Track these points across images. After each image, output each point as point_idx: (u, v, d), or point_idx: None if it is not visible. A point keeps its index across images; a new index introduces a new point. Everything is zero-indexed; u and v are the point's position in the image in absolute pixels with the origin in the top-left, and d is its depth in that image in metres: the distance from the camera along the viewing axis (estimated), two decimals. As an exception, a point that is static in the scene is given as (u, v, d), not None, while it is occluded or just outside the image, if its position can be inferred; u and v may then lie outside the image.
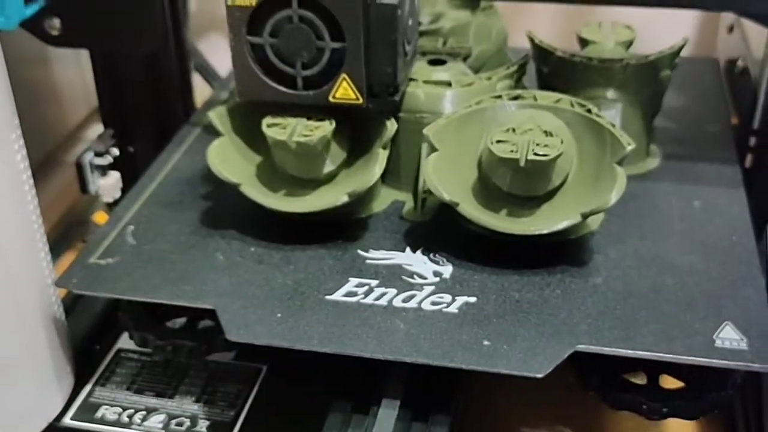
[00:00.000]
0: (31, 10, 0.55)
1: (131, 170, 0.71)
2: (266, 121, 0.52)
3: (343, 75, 0.49)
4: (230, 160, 0.54)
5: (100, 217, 0.72)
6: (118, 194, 0.71)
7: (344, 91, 0.50)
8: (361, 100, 0.50)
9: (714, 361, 0.45)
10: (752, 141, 0.63)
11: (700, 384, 0.49)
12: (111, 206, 0.72)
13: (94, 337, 0.61)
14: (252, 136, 0.54)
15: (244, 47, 0.50)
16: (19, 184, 0.51)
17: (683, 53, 0.61)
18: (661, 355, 0.45)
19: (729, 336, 0.46)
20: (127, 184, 0.71)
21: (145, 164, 0.63)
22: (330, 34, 0.49)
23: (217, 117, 0.54)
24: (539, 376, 0.44)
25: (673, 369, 0.50)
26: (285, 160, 0.53)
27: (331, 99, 0.50)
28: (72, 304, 0.63)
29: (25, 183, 0.51)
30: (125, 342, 0.59)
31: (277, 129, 0.51)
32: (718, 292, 0.49)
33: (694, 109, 0.68)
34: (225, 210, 0.56)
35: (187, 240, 0.54)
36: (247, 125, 0.54)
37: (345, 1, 0.48)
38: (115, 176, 0.71)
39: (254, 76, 0.51)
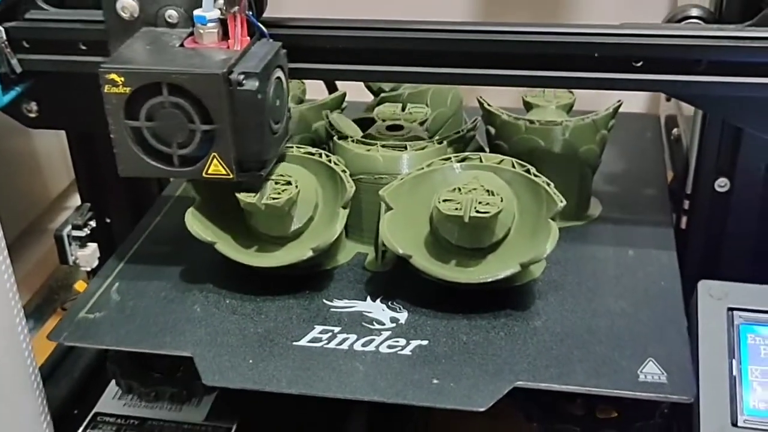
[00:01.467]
0: (8, 96, 0.59)
1: (108, 240, 0.75)
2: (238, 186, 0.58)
3: (214, 154, 0.52)
4: (206, 222, 0.59)
5: (80, 286, 0.76)
6: (95, 263, 0.75)
7: (216, 168, 0.53)
8: (231, 176, 0.53)
9: (637, 393, 0.50)
10: (686, 204, 0.68)
11: (630, 414, 0.55)
12: (90, 275, 0.76)
13: (72, 402, 0.65)
14: (225, 200, 0.59)
15: (123, 130, 0.53)
16: None
17: (629, 109, 0.67)
18: (589, 389, 0.50)
19: (651, 371, 0.51)
20: (105, 253, 0.75)
21: (121, 234, 0.67)
22: (200, 118, 0.51)
23: (193, 183, 0.60)
24: (481, 409, 0.49)
25: (607, 401, 0.55)
26: (256, 220, 0.59)
27: (204, 175, 0.53)
28: (51, 370, 0.67)
29: (1, 263, 0.54)
30: (103, 406, 0.62)
31: (248, 193, 0.57)
32: (644, 334, 0.54)
33: (634, 165, 0.74)
34: (202, 266, 0.62)
35: (167, 295, 0.60)
36: (220, 190, 0.60)
37: (210, 88, 0.50)
38: (92, 247, 0.74)
39: (134, 156, 0.53)
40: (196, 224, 0.58)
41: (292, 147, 0.62)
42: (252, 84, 0.51)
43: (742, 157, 0.63)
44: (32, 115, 0.63)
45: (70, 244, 0.73)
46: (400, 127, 0.66)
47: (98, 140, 0.73)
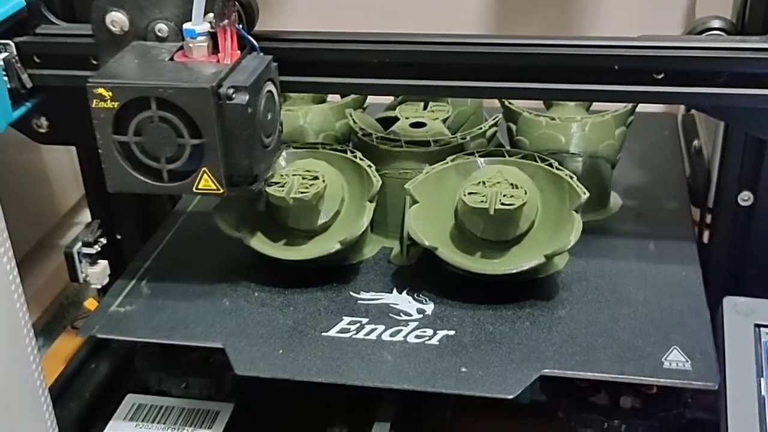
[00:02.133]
0: (18, 112, 0.58)
1: (118, 257, 0.74)
2: (266, 180, 0.59)
3: (204, 168, 0.52)
4: (232, 217, 0.60)
5: (90, 304, 0.74)
6: (106, 281, 0.73)
7: (206, 183, 0.52)
8: (222, 190, 0.52)
9: (662, 380, 0.51)
10: (708, 218, 0.68)
11: (654, 403, 0.55)
12: (100, 292, 0.75)
13: (82, 423, 0.65)
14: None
15: (111, 145, 0.52)
16: (4, 283, 0.53)
17: (647, 109, 0.68)
18: (615, 376, 0.51)
19: (676, 358, 0.52)
20: (115, 270, 0.73)
21: (132, 252, 0.67)
22: (189, 132, 0.51)
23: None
24: (510, 396, 0.50)
25: (631, 390, 0.56)
26: (284, 214, 0.60)
27: (194, 190, 0.53)
28: (60, 390, 0.67)
29: (11, 282, 0.53)
30: (113, 427, 0.61)
31: (277, 187, 0.58)
32: (667, 321, 0.55)
33: (651, 162, 0.75)
34: (229, 262, 0.63)
35: (196, 289, 0.61)
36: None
37: (199, 102, 0.50)
38: (103, 264, 0.73)
39: (123, 171, 0.53)
40: (223, 219, 0.60)
41: (317, 145, 0.64)
42: (241, 98, 0.50)
43: (766, 170, 0.62)
44: (42, 130, 0.63)
45: (80, 262, 0.72)
46: (422, 125, 0.67)
47: None
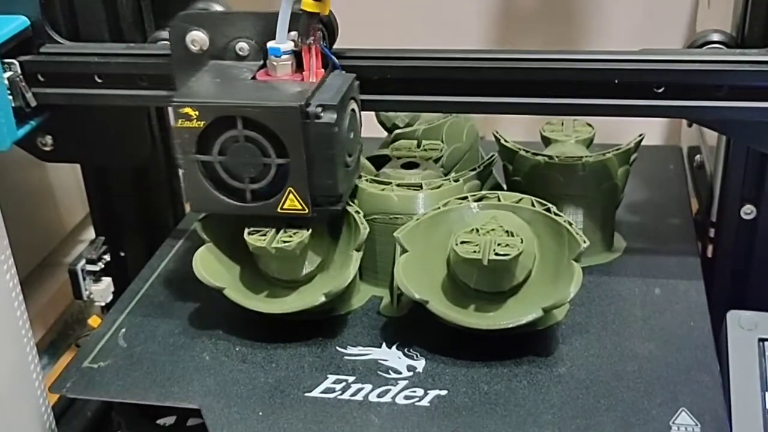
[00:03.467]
0: (23, 130, 0.59)
1: (122, 274, 0.74)
2: (248, 228, 0.56)
3: (289, 188, 0.52)
4: (215, 266, 0.57)
5: (94, 321, 0.74)
6: (110, 298, 0.74)
7: (291, 202, 0.52)
8: (307, 210, 0.52)
9: (669, 447, 0.47)
10: (711, 232, 0.67)
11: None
12: (104, 309, 0.75)
13: None
14: (235, 242, 0.57)
15: (194, 165, 0.52)
16: (8, 302, 0.52)
17: (650, 142, 0.66)
18: (619, 443, 0.48)
19: (684, 422, 0.49)
20: (119, 287, 0.73)
21: (136, 268, 0.67)
22: (274, 151, 0.51)
23: (202, 226, 0.58)
24: (504, 465, 0.47)
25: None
26: (266, 264, 0.57)
27: (279, 210, 0.53)
28: (64, 409, 0.65)
29: (14, 300, 0.53)
30: None
31: (258, 236, 0.55)
32: (674, 379, 0.52)
33: (657, 198, 0.72)
34: (211, 312, 0.60)
35: (175, 341, 0.57)
36: (230, 232, 0.58)
37: (286, 121, 0.50)
38: (106, 281, 0.73)
39: (206, 191, 0.53)
40: (204, 269, 0.56)
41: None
42: (330, 117, 0.50)
43: None
44: (47, 148, 0.63)
45: (84, 279, 0.72)
46: (415, 165, 0.64)
47: (113, 174, 0.72)
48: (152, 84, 0.58)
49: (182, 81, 0.55)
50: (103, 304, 0.74)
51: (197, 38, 0.55)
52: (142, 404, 0.55)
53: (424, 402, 0.51)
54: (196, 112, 0.50)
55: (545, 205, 0.56)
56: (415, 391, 0.52)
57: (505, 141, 0.66)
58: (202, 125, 0.51)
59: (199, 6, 0.61)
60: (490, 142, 0.71)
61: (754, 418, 0.51)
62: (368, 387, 0.52)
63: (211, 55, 0.55)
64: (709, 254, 0.68)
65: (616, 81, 0.54)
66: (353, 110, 0.54)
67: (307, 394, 0.52)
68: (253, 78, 0.53)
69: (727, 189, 0.63)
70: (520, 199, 0.57)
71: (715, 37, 0.57)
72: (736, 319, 0.57)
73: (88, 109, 0.61)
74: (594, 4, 0.93)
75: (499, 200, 0.57)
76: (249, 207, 0.53)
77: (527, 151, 0.64)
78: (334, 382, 0.53)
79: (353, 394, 0.52)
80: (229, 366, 0.55)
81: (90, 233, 0.80)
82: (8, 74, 0.57)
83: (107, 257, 0.74)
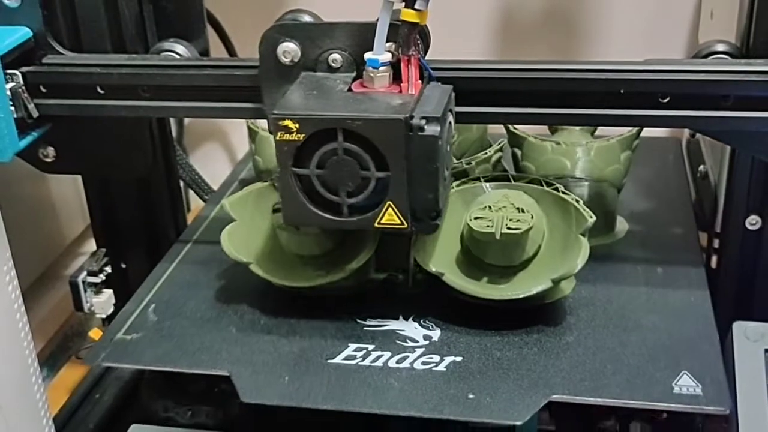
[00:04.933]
0: (25, 141, 0.58)
1: (124, 286, 0.74)
2: (273, 206, 0.59)
3: (389, 202, 0.50)
4: (241, 243, 0.60)
5: (95, 333, 0.74)
6: (110, 310, 0.74)
7: (390, 217, 0.51)
8: (405, 225, 0.51)
9: (672, 405, 0.50)
10: (716, 243, 0.68)
11: (665, 429, 0.55)
12: (105, 321, 0.75)
13: None
14: (260, 221, 0.61)
15: (291, 178, 0.51)
16: (10, 314, 0.53)
17: (652, 134, 0.68)
18: (624, 402, 0.51)
19: (686, 383, 0.52)
20: (120, 300, 0.73)
21: (137, 281, 0.67)
22: (374, 164, 0.50)
23: (230, 204, 0.61)
24: (518, 423, 0.50)
25: (641, 415, 0.55)
26: (289, 241, 0.60)
27: (376, 225, 0.51)
28: (64, 421, 0.67)
29: (16, 311, 0.53)
30: None
31: (279, 215, 0.58)
32: (676, 346, 0.55)
33: (657, 186, 0.75)
34: (236, 288, 0.63)
35: (202, 315, 0.61)
36: (257, 211, 0.61)
37: (388, 134, 0.49)
38: (108, 293, 0.73)
39: (301, 205, 0.52)
40: (231, 245, 0.60)
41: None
42: (434, 129, 0.48)
43: None
44: (48, 160, 0.63)
45: (85, 291, 0.72)
46: (428, 150, 0.67)
47: (114, 185, 0.72)
48: (154, 95, 0.58)
49: (270, 93, 0.54)
50: (104, 316, 0.74)
51: (288, 49, 0.54)
52: (172, 374, 0.58)
53: (441, 367, 0.54)
54: (297, 125, 0.49)
55: (554, 184, 0.59)
56: (431, 358, 0.55)
57: (515, 128, 0.69)
58: (301, 138, 0.50)
59: (288, 17, 0.59)
60: (496, 134, 0.74)
61: (762, 429, 0.52)
62: (387, 354, 0.55)
63: (302, 67, 0.54)
64: (714, 265, 0.68)
65: (621, 91, 0.53)
66: (450, 122, 0.52)
67: (329, 361, 0.55)
68: (349, 90, 0.52)
69: (731, 199, 0.64)
70: (530, 179, 0.60)
71: (720, 47, 0.57)
72: (743, 330, 0.58)
73: (90, 121, 0.60)
74: (596, 15, 0.95)
75: (511, 180, 0.60)
76: (345, 221, 0.52)
77: (536, 137, 0.67)
78: (355, 350, 0.56)
79: (373, 361, 0.55)
80: (255, 337, 0.58)
81: (90, 245, 0.80)
82: (10, 85, 0.57)
83: (108, 269, 0.74)
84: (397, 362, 0.55)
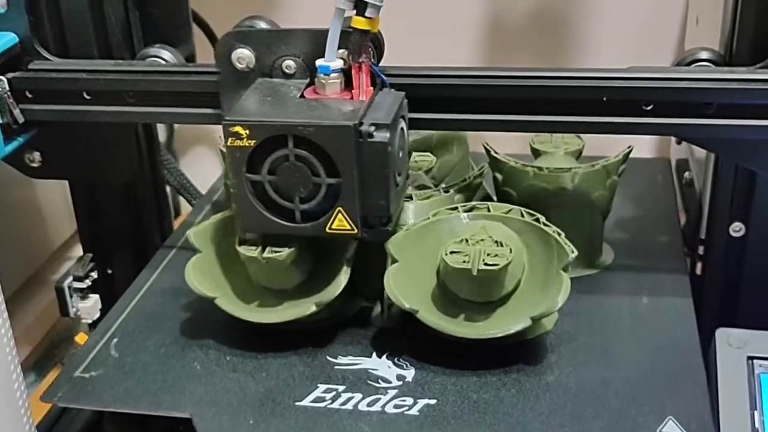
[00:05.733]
0: (10, 147, 0.59)
1: (110, 292, 0.74)
2: (239, 238, 0.56)
3: (339, 208, 0.51)
4: (207, 276, 0.58)
5: (81, 338, 0.74)
6: (97, 315, 0.74)
7: (340, 222, 0.52)
8: (356, 231, 0.52)
9: (657, 455, 0.48)
10: (701, 249, 0.67)
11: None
12: (91, 326, 0.75)
13: None
14: (226, 253, 0.58)
15: (244, 184, 0.52)
16: None
17: (639, 154, 0.67)
18: (606, 451, 0.48)
19: (671, 430, 0.49)
20: (106, 305, 0.74)
21: (123, 286, 0.67)
22: (325, 171, 0.51)
23: (195, 235, 0.58)
24: (493, 474, 0.47)
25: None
26: (257, 273, 0.57)
27: (327, 230, 0.52)
28: (51, 424, 0.65)
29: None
30: None
31: (248, 246, 0.55)
32: (661, 386, 0.52)
33: (645, 210, 0.73)
34: (202, 322, 0.60)
35: (166, 351, 0.58)
36: (223, 243, 0.58)
37: (338, 140, 0.49)
38: (94, 299, 0.74)
39: (255, 211, 0.52)
40: (196, 278, 0.57)
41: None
42: (383, 135, 0.50)
43: (758, 201, 0.62)
44: (35, 165, 0.64)
45: (71, 296, 0.72)
46: (405, 176, 0.65)
47: (101, 190, 0.72)
48: (140, 100, 0.58)
49: (228, 99, 0.55)
50: (90, 321, 0.75)
51: (243, 56, 0.54)
52: (133, 413, 0.55)
53: (414, 411, 0.52)
54: (247, 131, 0.50)
55: (534, 215, 0.57)
56: (404, 400, 0.52)
57: (495, 153, 0.66)
58: (252, 144, 0.50)
59: (246, 24, 0.60)
60: (480, 154, 0.72)
61: None
62: (358, 396, 0.53)
63: (258, 73, 0.55)
64: (699, 272, 0.68)
65: (605, 98, 0.54)
66: (402, 129, 0.53)
67: (297, 403, 0.53)
68: (302, 96, 0.53)
69: (715, 206, 0.64)
70: (510, 210, 0.58)
71: (704, 55, 0.58)
72: (725, 337, 0.57)
73: (77, 126, 0.61)
74: (584, 22, 0.94)
75: (489, 211, 0.58)
76: (298, 227, 0.53)
77: (517, 163, 0.64)
78: (324, 392, 0.53)
79: (343, 403, 0.52)
80: (220, 375, 0.55)
81: (77, 251, 0.81)
82: None
83: (95, 274, 0.74)
84: (368, 405, 0.52)
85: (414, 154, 0.69)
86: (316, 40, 0.53)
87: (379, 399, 0.52)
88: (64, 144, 0.63)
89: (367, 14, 0.51)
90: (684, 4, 0.90)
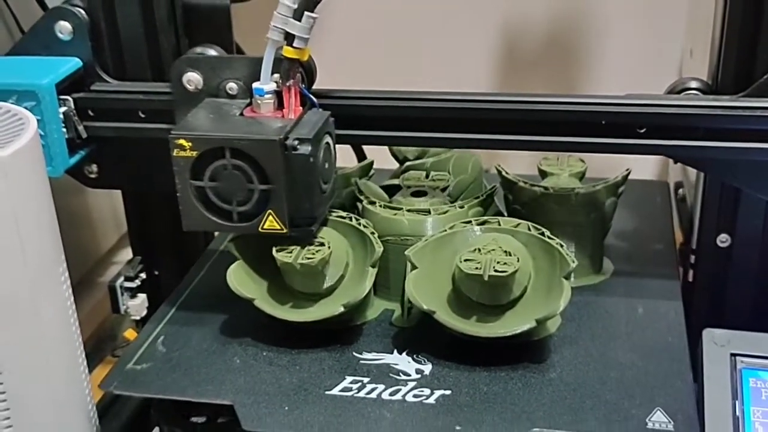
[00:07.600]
0: (74, 159, 0.66)
1: (156, 291, 0.80)
2: (275, 246, 0.63)
3: (270, 211, 0.59)
4: (245, 280, 0.64)
5: (129, 334, 0.81)
6: (144, 312, 0.80)
7: (270, 223, 0.59)
8: (285, 230, 0.59)
9: (645, 440, 0.54)
10: (692, 258, 0.73)
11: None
12: (138, 323, 0.82)
13: None
14: (263, 259, 0.64)
15: (188, 189, 0.59)
16: (65, 313, 0.58)
17: (640, 177, 0.73)
18: (600, 436, 0.54)
19: (659, 419, 0.55)
20: (153, 303, 0.80)
21: (168, 286, 0.73)
22: (258, 178, 0.58)
23: (234, 245, 0.65)
24: (500, 454, 0.53)
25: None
26: (291, 278, 0.64)
27: (260, 230, 0.60)
28: (104, 410, 0.71)
29: (70, 310, 0.58)
30: None
31: (284, 253, 0.62)
32: (652, 384, 0.58)
33: (643, 228, 0.79)
34: (240, 322, 0.66)
35: (209, 347, 0.64)
36: (259, 250, 0.65)
37: (269, 152, 0.57)
38: (142, 297, 0.80)
39: (197, 212, 0.60)
40: (236, 282, 0.63)
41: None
42: (305, 149, 0.57)
43: (742, 215, 0.68)
44: (92, 175, 0.71)
45: (122, 295, 0.79)
46: (424, 193, 0.71)
47: (150, 199, 0.79)
48: None
49: (180, 116, 0.63)
50: (138, 318, 0.81)
51: (192, 78, 0.63)
52: (178, 402, 0.62)
53: (431, 400, 0.58)
54: (190, 143, 0.58)
55: (540, 229, 0.63)
56: (422, 391, 0.59)
57: (506, 173, 0.73)
58: (195, 155, 0.58)
59: (198, 50, 0.69)
60: (493, 175, 0.78)
61: (725, 423, 0.56)
62: (381, 387, 0.59)
63: (207, 93, 0.63)
64: (690, 279, 0.74)
65: (603, 122, 0.61)
66: (328, 143, 0.61)
67: (327, 393, 0.59)
68: (241, 114, 0.61)
69: (704, 219, 0.69)
70: (518, 224, 0.64)
71: (693, 84, 0.63)
72: (711, 336, 0.62)
73: (131, 141, 0.68)
74: (591, 52, 1.00)
75: (500, 225, 0.64)
76: (234, 226, 0.60)
77: (525, 183, 0.71)
78: (351, 383, 0.60)
79: (368, 393, 0.59)
80: (257, 368, 0.62)
81: (122, 255, 0.87)
82: (63, 109, 0.65)
83: (143, 275, 0.80)
84: (390, 394, 0.58)
85: (432, 173, 0.75)
86: (255, 66, 0.61)
87: (400, 389, 0.59)
88: (119, 157, 0.69)
89: (295, 45, 0.59)
90: (683, 37, 0.96)
